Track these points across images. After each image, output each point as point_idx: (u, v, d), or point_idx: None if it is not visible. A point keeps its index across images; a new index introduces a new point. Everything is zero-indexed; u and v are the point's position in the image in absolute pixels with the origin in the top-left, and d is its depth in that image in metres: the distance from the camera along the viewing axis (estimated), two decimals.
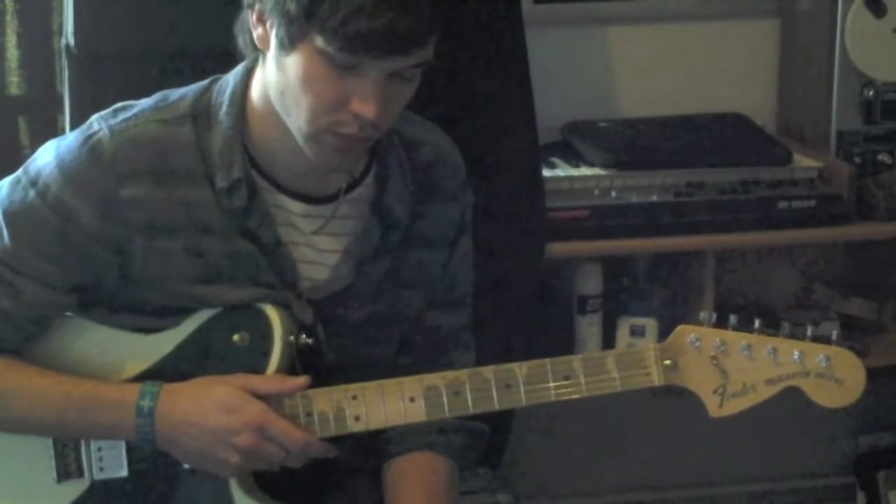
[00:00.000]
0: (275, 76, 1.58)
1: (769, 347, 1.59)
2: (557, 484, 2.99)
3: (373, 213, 1.73)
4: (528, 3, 2.62)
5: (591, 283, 2.60)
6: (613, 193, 2.46)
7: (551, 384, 1.63)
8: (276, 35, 1.54)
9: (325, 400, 1.66)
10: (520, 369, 1.64)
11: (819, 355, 1.59)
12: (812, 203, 2.49)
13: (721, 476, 3.07)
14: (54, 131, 2.49)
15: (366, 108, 1.53)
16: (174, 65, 2.13)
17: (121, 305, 1.71)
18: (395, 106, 1.58)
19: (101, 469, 1.72)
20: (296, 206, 1.70)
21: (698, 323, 1.63)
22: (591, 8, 2.79)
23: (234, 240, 1.67)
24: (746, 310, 1.63)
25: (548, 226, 2.42)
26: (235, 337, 1.68)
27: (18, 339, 1.69)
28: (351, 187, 1.72)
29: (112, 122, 1.66)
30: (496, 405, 1.65)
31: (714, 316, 1.62)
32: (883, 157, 2.60)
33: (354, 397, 1.66)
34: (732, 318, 1.61)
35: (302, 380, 1.66)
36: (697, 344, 1.62)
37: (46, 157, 1.66)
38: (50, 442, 1.72)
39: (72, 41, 2.20)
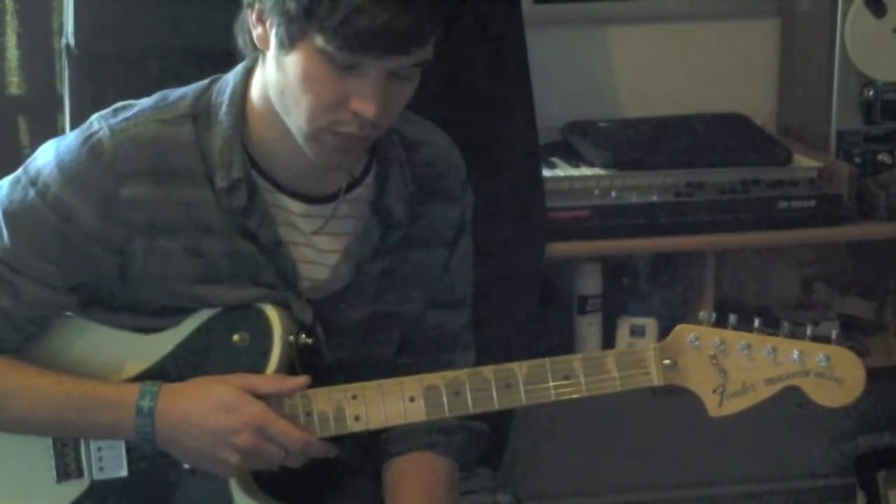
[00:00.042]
0: (274, 75, 1.58)
1: (769, 347, 1.59)
2: (557, 484, 3.00)
3: (373, 213, 1.73)
4: (528, 3, 2.62)
5: (591, 283, 2.61)
6: (613, 193, 2.46)
7: (551, 384, 1.63)
8: (276, 34, 1.54)
9: (325, 400, 1.66)
10: (520, 369, 1.64)
11: (819, 355, 1.58)
12: (812, 203, 2.49)
13: (721, 476, 3.07)
14: (54, 131, 2.50)
15: (365, 107, 1.53)
16: (174, 65, 2.13)
17: (121, 305, 1.71)
18: (395, 105, 1.58)
19: (101, 469, 1.72)
20: (296, 206, 1.70)
21: (698, 322, 1.63)
22: (591, 8, 2.79)
23: (233, 240, 1.67)
24: (746, 309, 1.63)
25: (548, 226, 2.42)
26: (235, 337, 1.68)
27: (18, 338, 1.69)
28: (351, 187, 1.72)
29: (112, 121, 1.66)
30: (496, 405, 1.65)
31: (713, 315, 1.62)
32: (883, 157, 2.60)
33: (354, 397, 1.66)
34: (732, 318, 1.61)
35: (302, 380, 1.66)
36: (697, 343, 1.62)
37: (46, 156, 1.66)
38: (50, 442, 1.72)
39: (72, 41, 2.20)
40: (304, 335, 1.70)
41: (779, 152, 2.57)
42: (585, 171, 2.51)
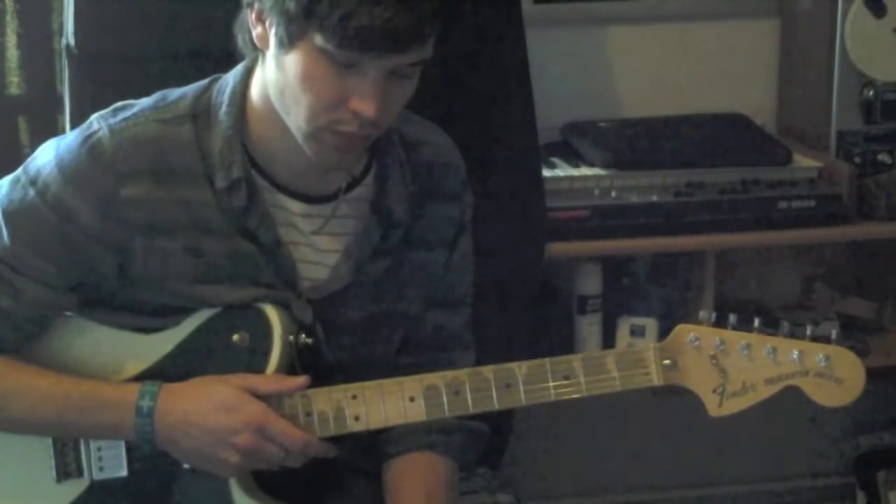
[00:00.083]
0: (274, 75, 1.58)
1: (769, 347, 1.59)
2: (557, 484, 3.00)
3: (373, 213, 1.73)
4: (528, 3, 2.62)
5: (591, 283, 2.60)
6: (613, 193, 2.46)
7: (551, 384, 1.63)
8: (276, 34, 1.54)
9: (325, 400, 1.66)
10: (519, 369, 1.64)
11: (818, 354, 1.58)
12: (812, 203, 2.49)
13: (721, 476, 3.07)
14: (54, 131, 2.49)
15: (365, 106, 1.53)
16: (174, 65, 2.13)
17: (121, 305, 1.71)
18: (395, 104, 1.58)
19: (101, 469, 1.72)
20: (295, 206, 1.70)
21: (698, 322, 1.63)
22: (591, 8, 2.79)
23: (233, 239, 1.67)
24: (746, 310, 1.63)
25: (548, 226, 2.42)
26: (235, 337, 1.68)
27: (18, 338, 1.69)
28: (351, 187, 1.72)
29: (112, 121, 1.66)
30: (496, 405, 1.65)
31: (713, 315, 1.62)
32: (883, 157, 2.60)
33: (354, 397, 1.66)
34: (732, 318, 1.61)
35: (301, 379, 1.66)
36: (697, 343, 1.62)
37: (46, 156, 1.66)
38: (50, 442, 1.72)
39: (72, 41, 2.19)
40: (304, 335, 1.70)
41: (779, 152, 2.57)
42: (585, 171, 2.51)
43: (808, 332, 1.60)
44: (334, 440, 1.68)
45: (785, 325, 1.60)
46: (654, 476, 3.03)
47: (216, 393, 1.64)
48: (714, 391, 1.61)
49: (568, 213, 2.43)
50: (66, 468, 1.72)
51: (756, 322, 1.61)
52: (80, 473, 1.72)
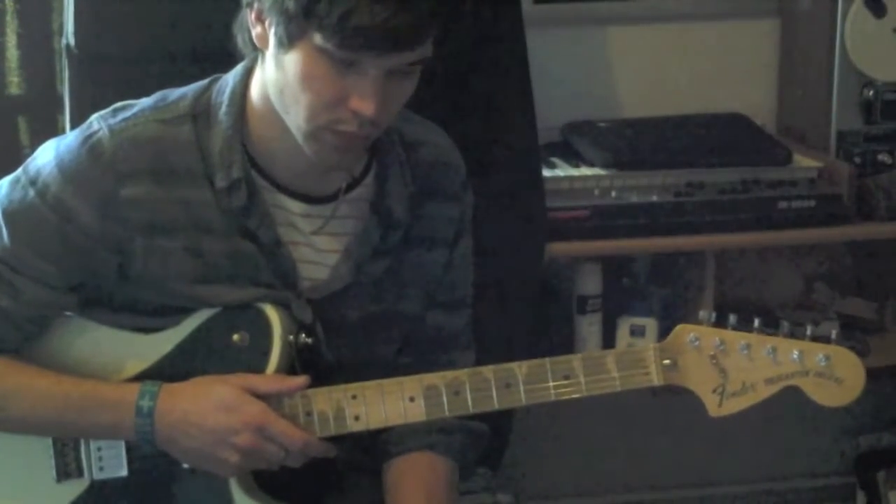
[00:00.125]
0: (274, 74, 1.58)
1: (768, 347, 1.59)
2: (557, 484, 2.99)
3: (373, 213, 1.73)
4: (528, 3, 2.62)
5: (591, 283, 2.60)
6: (613, 193, 2.46)
7: (551, 384, 1.63)
8: (275, 33, 1.54)
9: (325, 399, 1.66)
10: (519, 369, 1.64)
11: (818, 354, 1.58)
12: (812, 203, 2.49)
13: (721, 476, 3.07)
14: (54, 131, 2.49)
15: (365, 105, 1.53)
16: (174, 65, 2.13)
17: (121, 305, 1.71)
18: (395, 103, 1.58)
19: (101, 469, 1.72)
20: (295, 206, 1.70)
21: (698, 322, 1.63)
22: (591, 8, 2.79)
23: (233, 240, 1.67)
24: (746, 309, 1.63)
25: (548, 226, 2.42)
26: (235, 336, 1.68)
27: (18, 338, 1.69)
28: (351, 187, 1.72)
29: (112, 121, 1.66)
30: (496, 405, 1.65)
31: (713, 315, 1.62)
32: (883, 157, 2.60)
33: (354, 397, 1.66)
34: (732, 318, 1.61)
35: (301, 379, 1.66)
36: (697, 343, 1.62)
37: (46, 156, 1.66)
38: (50, 442, 1.72)
39: (72, 41, 2.19)
40: (303, 335, 1.70)
41: (779, 152, 2.57)
42: (585, 171, 2.51)
43: (808, 332, 1.60)
44: (334, 440, 1.68)
45: (785, 325, 1.60)
46: (654, 476, 3.03)
47: (216, 393, 1.64)
48: (714, 391, 1.61)
49: (568, 213, 2.43)
50: (66, 468, 1.72)
51: (756, 322, 1.61)
52: (80, 473, 1.72)
